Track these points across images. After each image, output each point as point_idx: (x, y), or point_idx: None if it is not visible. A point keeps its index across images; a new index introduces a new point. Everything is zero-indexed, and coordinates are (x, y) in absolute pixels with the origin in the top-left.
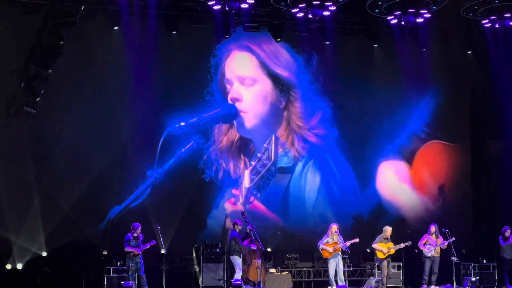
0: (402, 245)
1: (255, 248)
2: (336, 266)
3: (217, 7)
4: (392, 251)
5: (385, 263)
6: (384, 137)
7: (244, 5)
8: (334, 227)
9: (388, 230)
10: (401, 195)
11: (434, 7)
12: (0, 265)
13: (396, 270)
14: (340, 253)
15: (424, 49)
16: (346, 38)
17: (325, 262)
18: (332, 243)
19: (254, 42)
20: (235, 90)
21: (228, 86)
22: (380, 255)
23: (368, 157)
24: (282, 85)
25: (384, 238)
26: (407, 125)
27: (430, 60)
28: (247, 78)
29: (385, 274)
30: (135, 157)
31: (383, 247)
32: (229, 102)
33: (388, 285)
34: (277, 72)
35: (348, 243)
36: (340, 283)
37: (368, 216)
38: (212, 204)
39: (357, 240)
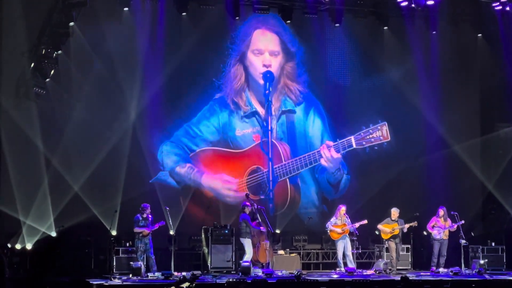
0: (407, 226)
1: (263, 230)
2: (344, 248)
3: None
4: (396, 232)
5: (392, 244)
6: (393, 120)
7: None
8: (343, 209)
9: (393, 211)
10: None
11: None
12: (10, 245)
13: (405, 253)
14: (348, 235)
15: (434, 32)
16: (356, 20)
17: (333, 244)
18: (340, 224)
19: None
20: (267, 58)
21: (258, 54)
22: (383, 236)
23: None
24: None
25: (392, 220)
26: (416, 108)
27: (440, 43)
28: (275, 50)
29: (393, 256)
30: (144, 137)
31: (386, 228)
32: (262, 66)
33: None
34: (291, 49)
35: (357, 225)
36: (349, 265)
37: None
38: None
39: (365, 222)
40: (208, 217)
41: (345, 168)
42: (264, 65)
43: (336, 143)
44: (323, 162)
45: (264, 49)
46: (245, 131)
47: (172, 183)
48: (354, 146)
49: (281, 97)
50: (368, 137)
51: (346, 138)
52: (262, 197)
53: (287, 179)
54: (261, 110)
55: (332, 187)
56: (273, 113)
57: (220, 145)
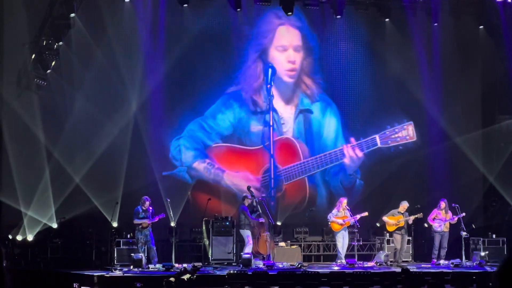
0: (412, 217)
1: (263, 221)
2: (342, 240)
3: None
4: (402, 224)
5: (397, 236)
6: (393, 114)
7: None
8: (345, 202)
9: (403, 205)
10: None
11: None
12: (11, 236)
13: (406, 245)
14: (347, 227)
15: (435, 24)
16: (358, 12)
17: (334, 236)
18: (341, 216)
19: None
20: (291, 54)
21: (282, 51)
22: (388, 228)
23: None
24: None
25: (398, 212)
26: (417, 100)
27: (442, 35)
28: (298, 46)
29: (398, 248)
30: (146, 128)
31: (392, 220)
32: (287, 63)
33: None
34: (310, 44)
35: (358, 217)
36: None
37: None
38: None
39: (366, 214)
40: (209, 209)
41: (358, 173)
42: (289, 62)
43: (360, 141)
44: (346, 161)
45: (289, 45)
46: (260, 127)
47: (187, 178)
48: (379, 145)
49: (299, 94)
50: (393, 136)
51: (371, 137)
52: (263, 195)
53: (306, 178)
54: (279, 108)
55: (345, 191)
56: (290, 110)
57: (233, 141)
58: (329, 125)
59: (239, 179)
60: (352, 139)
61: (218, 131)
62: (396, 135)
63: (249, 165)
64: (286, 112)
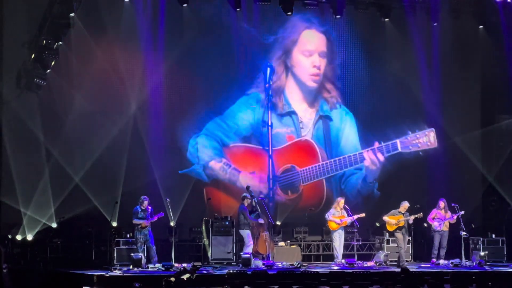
0: (412, 217)
1: (262, 222)
2: (339, 239)
3: None
4: (402, 223)
5: (399, 235)
6: (394, 113)
7: None
8: (342, 202)
9: (404, 205)
10: None
11: None
12: (11, 236)
13: (406, 244)
14: (344, 226)
15: (435, 24)
16: (357, 12)
17: (331, 235)
18: (338, 216)
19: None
20: (316, 60)
21: (308, 55)
22: (389, 228)
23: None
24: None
25: (399, 212)
26: (417, 100)
27: (441, 34)
28: (323, 51)
29: (402, 247)
30: (145, 128)
31: (392, 219)
32: (312, 67)
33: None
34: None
35: (355, 217)
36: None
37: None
38: None
39: (363, 215)
40: (209, 208)
41: (375, 184)
42: (315, 66)
43: (381, 145)
44: (366, 164)
45: (314, 50)
46: (278, 130)
47: (203, 177)
48: (400, 149)
49: (320, 100)
50: (415, 141)
51: (392, 141)
52: (262, 195)
53: (324, 182)
54: (299, 111)
55: (363, 199)
56: (310, 115)
57: (251, 141)
58: (348, 134)
59: (254, 180)
60: (376, 143)
61: (237, 131)
62: (417, 141)
63: (266, 165)
64: (305, 117)
